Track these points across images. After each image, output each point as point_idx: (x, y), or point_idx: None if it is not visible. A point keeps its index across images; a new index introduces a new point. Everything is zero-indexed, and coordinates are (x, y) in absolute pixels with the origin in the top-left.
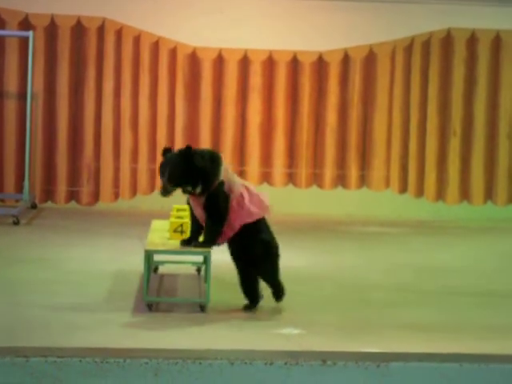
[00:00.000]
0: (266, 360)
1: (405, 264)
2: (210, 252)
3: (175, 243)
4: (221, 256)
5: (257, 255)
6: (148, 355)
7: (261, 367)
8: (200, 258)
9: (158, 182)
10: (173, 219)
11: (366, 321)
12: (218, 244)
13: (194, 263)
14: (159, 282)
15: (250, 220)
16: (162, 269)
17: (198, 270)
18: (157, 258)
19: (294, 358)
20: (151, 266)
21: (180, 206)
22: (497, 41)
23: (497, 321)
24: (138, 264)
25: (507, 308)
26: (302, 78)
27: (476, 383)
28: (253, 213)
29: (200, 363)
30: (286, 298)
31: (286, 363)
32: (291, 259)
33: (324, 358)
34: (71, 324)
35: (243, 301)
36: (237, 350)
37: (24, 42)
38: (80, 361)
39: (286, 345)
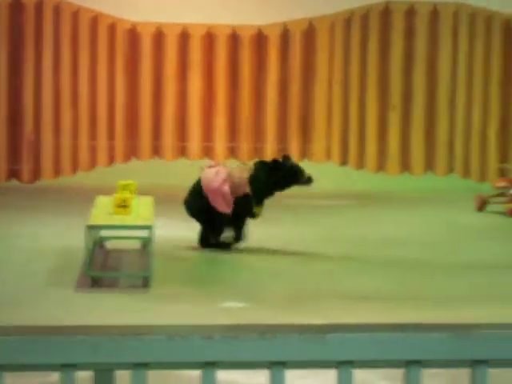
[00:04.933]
0: (205, 334)
1: (347, 235)
2: (152, 227)
3: (118, 218)
4: (167, 231)
5: None
6: (87, 332)
7: (199, 342)
8: (145, 234)
9: (99, 157)
10: (116, 194)
11: (310, 292)
12: None
13: (138, 238)
14: (105, 257)
15: None
16: (110, 244)
17: (145, 246)
18: (104, 233)
19: (232, 331)
20: (97, 242)
21: (125, 181)
22: (434, 13)
23: (437, 291)
24: (83, 240)
25: (448, 279)
26: (241, 52)
27: (418, 352)
28: None
29: (139, 339)
30: (232, 272)
31: (224, 337)
32: None
33: (263, 330)
34: (14, 300)
35: (188, 275)
36: (175, 324)
37: None
38: (20, 339)
39: (228, 318)
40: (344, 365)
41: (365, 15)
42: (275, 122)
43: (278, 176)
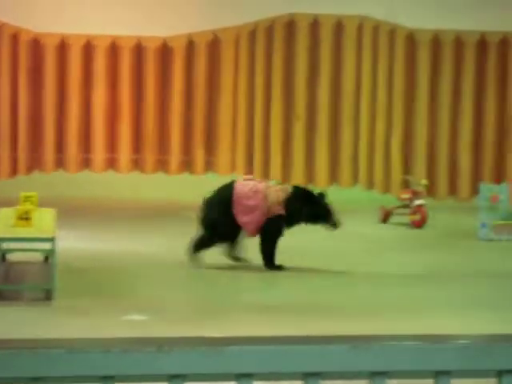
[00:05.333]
0: (104, 347)
1: (252, 247)
2: (54, 239)
3: (20, 230)
4: (69, 243)
5: None
6: None
7: (97, 355)
8: (48, 246)
9: (1, 169)
10: (18, 206)
11: (215, 305)
12: None
13: (41, 250)
14: (7, 269)
15: None
16: (12, 257)
17: (47, 258)
18: (6, 246)
19: (131, 344)
20: None
21: (27, 193)
22: (339, 26)
23: (343, 302)
24: None
25: (353, 290)
26: (146, 63)
27: (317, 364)
28: None
29: (37, 353)
30: (135, 284)
31: (123, 350)
32: (137, 245)
33: (160, 343)
34: None
35: (92, 288)
36: (75, 338)
37: None
38: None
39: (129, 331)
40: (243, 377)
41: (269, 27)
42: (180, 134)
43: (311, 207)
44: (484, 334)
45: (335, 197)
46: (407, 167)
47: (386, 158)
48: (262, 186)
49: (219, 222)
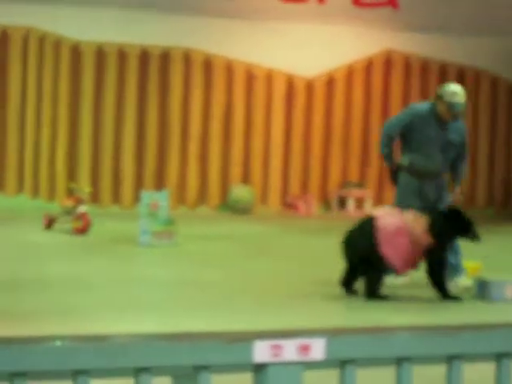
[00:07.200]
0: None
1: None
2: None
3: None
4: None
5: None
6: None
7: None
8: None
9: None
10: None
11: None
12: None
13: None
14: None
15: None
16: None
17: None
18: None
19: None
20: None
21: None
22: (4, 36)
23: (17, 307)
24: None
25: (16, 295)
26: None
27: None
28: None
29: None
30: None
31: None
32: None
33: None
34: None
35: None
36: None
37: None
38: None
39: None
40: None
41: None
42: None
43: (452, 225)
44: (123, 333)
45: (0, 204)
46: (72, 175)
47: (51, 167)
48: (402, 221)
49: (365, 255)
